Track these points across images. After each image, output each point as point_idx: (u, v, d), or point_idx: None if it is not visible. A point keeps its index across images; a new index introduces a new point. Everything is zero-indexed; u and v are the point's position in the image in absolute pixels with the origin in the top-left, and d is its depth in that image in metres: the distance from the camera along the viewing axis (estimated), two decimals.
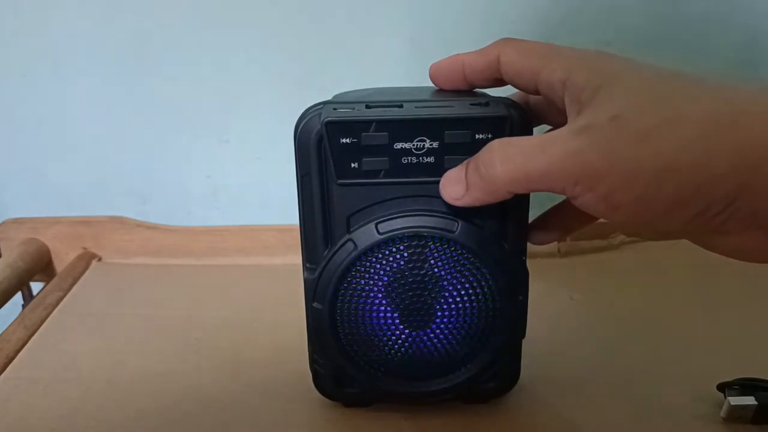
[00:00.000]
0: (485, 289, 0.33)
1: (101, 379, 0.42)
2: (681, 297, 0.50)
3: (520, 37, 0.31)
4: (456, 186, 0.30)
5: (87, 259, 0.59)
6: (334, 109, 0.31)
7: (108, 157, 0.61)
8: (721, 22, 0.58)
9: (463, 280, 0.33)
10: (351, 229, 0.33)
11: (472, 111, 0.31)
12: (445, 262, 0.33)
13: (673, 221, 0.26)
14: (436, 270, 0.33)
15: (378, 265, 0.33)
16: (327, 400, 0.38)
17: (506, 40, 0.31)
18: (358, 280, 0.33)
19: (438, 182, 0.31)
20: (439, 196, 0.31)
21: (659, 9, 0.57)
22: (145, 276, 0.57)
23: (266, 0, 0.56)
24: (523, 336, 0.36)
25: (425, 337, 0.35)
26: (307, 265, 0.34)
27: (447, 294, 0.34)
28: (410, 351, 0.35)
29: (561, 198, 0.28)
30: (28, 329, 0.48)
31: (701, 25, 0.57)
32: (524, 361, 0.37)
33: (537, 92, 0.30)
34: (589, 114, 0.26)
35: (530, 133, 0.32)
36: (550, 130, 0.29)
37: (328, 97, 0.33)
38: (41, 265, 0.59)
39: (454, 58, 0.32)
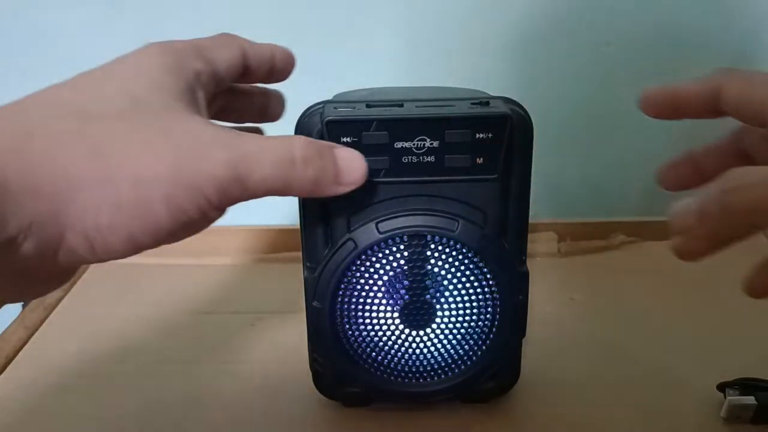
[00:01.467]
0: (485, 289, 0.33)
1: (101, 380, 0.42)
2: (681, 297, 0.50)
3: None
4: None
5: None
6: (335, 108, 0.31)
7: None
8: (721, 21, 0.58)
9: (463, 279, 0.33)
10: (351, 229, 0.33)
11: (473, 110, 0.31)
12: (446, 261, 0.33)
13: None
14: (436, 269, 0.33)
15: (378, 265, 0.33)
16: (327, 400, 0.38)
17: (729, 70, 0.29)
18: (358, 279, 0.33)
19: (438, 182, 0.31)
20: (439, 195, 0.31)
21: (658, 8, 0.57)
22: (145, 276, 0.56)
23: (266, 0, 0.56)
24: (523, 336, 0.36)
25: (425, 337, 0.35)
26: (307, 264, 0.34)
27: (447, 293, 0.34)
28: (410, 351, 0.35)
29: None
30: (28, 329, 0.47)
31: (700, 24, 0.58)
32: (524, 361, 0.37)
33: (765, 124, 0.28)
34: None
35: (530, 133, 0.32)
36: None
37: (329, 97, 0.33)
38: None
39: (666, 86, 0.30)
